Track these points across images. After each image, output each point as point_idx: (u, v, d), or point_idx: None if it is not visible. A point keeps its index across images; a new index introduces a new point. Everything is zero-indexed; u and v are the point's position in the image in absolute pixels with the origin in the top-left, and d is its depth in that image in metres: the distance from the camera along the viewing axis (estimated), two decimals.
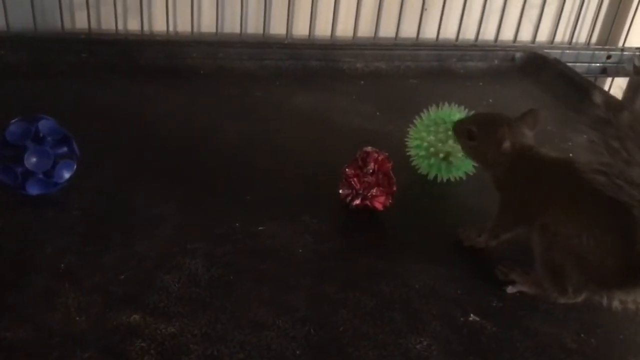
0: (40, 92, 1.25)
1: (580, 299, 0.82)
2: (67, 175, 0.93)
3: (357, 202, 0.96)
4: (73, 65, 1.37)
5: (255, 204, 0.98)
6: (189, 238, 0.88)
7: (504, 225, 0.90)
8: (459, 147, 1.01)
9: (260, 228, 0.93)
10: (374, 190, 0.95)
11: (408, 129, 1.08)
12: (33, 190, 0.91)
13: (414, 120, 1.08)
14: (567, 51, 1.72)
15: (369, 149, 0.97)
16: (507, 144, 0.88)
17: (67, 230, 0.89)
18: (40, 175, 0.91)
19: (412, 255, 0.90)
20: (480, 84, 1.54)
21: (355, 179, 0.95)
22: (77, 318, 0.74)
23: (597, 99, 0.77)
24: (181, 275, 0.82)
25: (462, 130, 0.96)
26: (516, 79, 1.59)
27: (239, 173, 1.06)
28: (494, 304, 0.83)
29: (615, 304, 0.79)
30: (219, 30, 1.53)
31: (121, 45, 1.44)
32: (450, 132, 1.02)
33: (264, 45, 1.52)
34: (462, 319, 0.80)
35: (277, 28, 1.57)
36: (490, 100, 1.43)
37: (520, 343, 0.77)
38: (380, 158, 0.96)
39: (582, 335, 0.79)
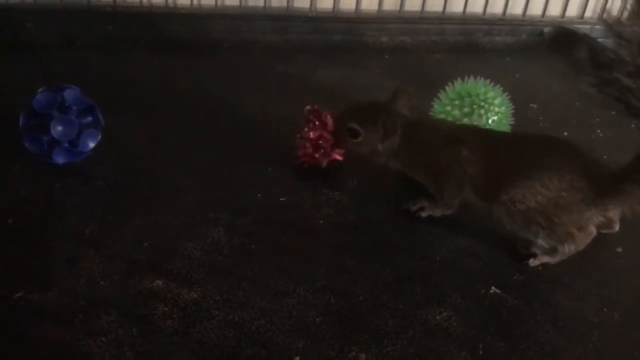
0: (65, 64, 1.26)
1: (592, 234, 0.83)
2: (91, 144, 0.94)
3: (328, 159, 0.97)
4: (98, 37, 1.38)
5: (276, 176, 0.98)
6: (211, 208, 0.89)
7: (452, 198, 0.90)
8: (484, 121, 1.00)
9: (281, 199, 0.93)
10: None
11: (432, 103, 1.07)
12: (59, 159, 0.92)
13: (439, 94, 1.06)
14: (597, 26, 1.68)
15: (315, 107, 0.97)
16: (396, 125, 0.88)
17: (91, 199, 0.90)
18: (66, 144, 0.92)
19: (432, 228, 0.90)
20: (508, 59, 1.51)
21: (321, 140, 0.96)
22: (102, 283, 0.75)
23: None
24: (203, 243, 0.83)
25: (342, 132, 0.92)
26: (544, 54, 1.56)
27: (260, 146, 1.06)
28: (515, 277, 0.82)
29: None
30: (243, 4, 1.53)
31: (145, 18, 1.45)
32: (475, 106, 1.01)
33: (288, 18, 1.51)
34: (482, 291, 0.79)
35: (301, 1, 1.56)
36: (517, 76, 1.41)
37: (541, 316, 0.77)
38: (327, 114, 0.97)
39: (605, 309, 0.78)
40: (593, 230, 0.83)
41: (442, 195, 0.90)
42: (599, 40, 1.59)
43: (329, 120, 0.96)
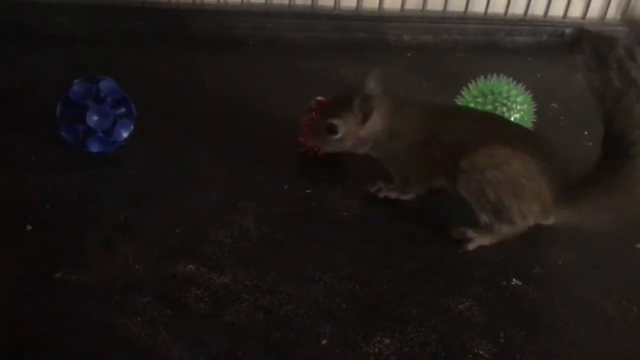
0: (95, 59, 1.29)
1: (529, 225, 0.84)
2: (125, 134, 0.97)
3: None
4: (127, 32, 1.41)
5: (302, 169, 1.01)
6: (239, 198, 0.92)
7: (411, 188, 0.92)
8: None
9: (307, 191, 0.96)
10: None
11: (455, 100, 1.09)
12: (93, 148, 0.95)
13: (461, 92, 1.08)
14: (619, 28, 1.69)
15: (320, 98, 1.00)
16: (376, 113, 0.86)
17: (124, 187, 0.94)
18: (100, 134, 0.95)
19: (454, 221, 0.91)
20: (529, 59, 1.52)
21: None
22: (136, 266, 0.79)
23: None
24: (233, 231, 0.86)
25: (321, 131, 0.89)
26: (565, 55, 1.57)
27: (285, 139, 1.08)
28: (536, 270, 0.84)
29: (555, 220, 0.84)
30: (268, 1, 1.55)
31: (173, 14, 1.48)
32: (497, 104, 1.03)
33: (312, 16, 1.53)
34: (504, 283, 0.82)
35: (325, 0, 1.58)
36: (539, 75, 1.42)
37: (561, 309, 0.79)
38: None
39: (624, 303, 0.80)
40: (532, 222, 0.84)
41: (403, 183, 0.92)
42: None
43: None
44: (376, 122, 0.88)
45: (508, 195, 0.82)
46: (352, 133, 0.88)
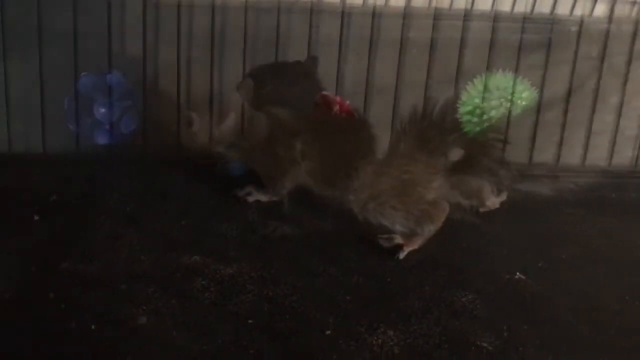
0: (101, 53, 1.29)
1: (446, 210, 0.83)
2: (131, 127, 0.98)
3: None
4: (132, 28, 1.41)
5: None
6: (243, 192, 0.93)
7: (281, 189, 0.92)
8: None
9: None
10: None
11: (461, 96, 1.09)
12: (100, 139, 0.96)
13: (467, 87, 1.09)
14: (626, 26, 1.68)
15: (326, 93, 1.00)
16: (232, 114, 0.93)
17: (130, 179, 0.94)
18: (107, 126, 0.96)
19: (459, 216, 0.92)
20: (534, 55, 1.52)
21: None
22: (142, 257, 0.79)
23: None
24: (238, 224, 0.86)
25: (182, 124, 0.97)
26: (570, 52, 1.57)
27: None
28: (540, 265, 0.84)
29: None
30: None
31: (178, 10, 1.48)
32: (502, 99, 1.03)
33: (318, 12, 1.53)
34: (507, 277, 0.82)
35: None
36: (544, 72, 1.41)
37: (563, 303, 0.79)
38: (338, 100, 0.99)
39: (627, 297, 0.80)
40: (446, 206, 0.83)
41: (273, 186, 0.92)
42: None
43: (335, 106, 0.98)
44: (230, 124, 0.93)
45: (407, 191, 0.81)
46: (206, 128, 0.95)
